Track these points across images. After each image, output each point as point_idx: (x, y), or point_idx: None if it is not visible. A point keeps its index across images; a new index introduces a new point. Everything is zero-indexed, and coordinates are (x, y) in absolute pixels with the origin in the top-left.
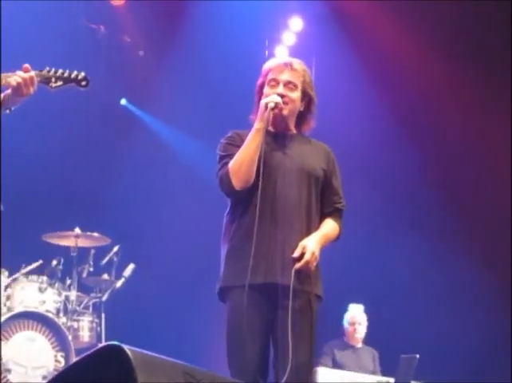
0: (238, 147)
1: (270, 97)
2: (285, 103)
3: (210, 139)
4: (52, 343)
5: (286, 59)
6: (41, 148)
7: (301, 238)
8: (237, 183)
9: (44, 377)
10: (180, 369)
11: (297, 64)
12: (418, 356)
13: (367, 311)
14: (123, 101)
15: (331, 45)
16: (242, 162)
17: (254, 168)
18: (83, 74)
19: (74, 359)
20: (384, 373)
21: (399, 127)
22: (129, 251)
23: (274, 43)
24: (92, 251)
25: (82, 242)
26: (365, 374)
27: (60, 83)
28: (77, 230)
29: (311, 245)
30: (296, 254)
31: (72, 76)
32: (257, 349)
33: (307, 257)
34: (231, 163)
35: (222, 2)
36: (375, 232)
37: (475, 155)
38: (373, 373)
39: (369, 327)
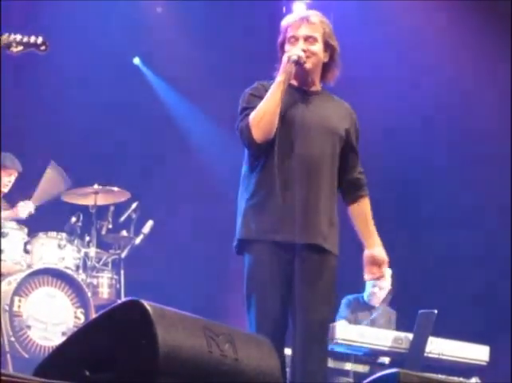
0: (261, 98)
1: (293, 50)
2: (307, 57)
3: (226, 97)
4: (71, 300)
5: (303, 13)
6: (57, 106)
7: (323, 196)
8: (257, 135)
9: (63, 334)
10: (199, 323)
11: (314, 16)
12: (436, 311)
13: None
14: (136, 60)
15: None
16: (264, 114)
17: (276, 121)
18: (41, 39)
19: (94, 315)
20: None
21: (420, 80)
22: (147, 208)
23: None
24: (111, 208)
25: (101, 199)
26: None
27: (20, 48)
28: (96, 186)
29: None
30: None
31: (32, 41)
32: (277, 302)
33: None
34: (252, 115)
35: None
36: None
37: None
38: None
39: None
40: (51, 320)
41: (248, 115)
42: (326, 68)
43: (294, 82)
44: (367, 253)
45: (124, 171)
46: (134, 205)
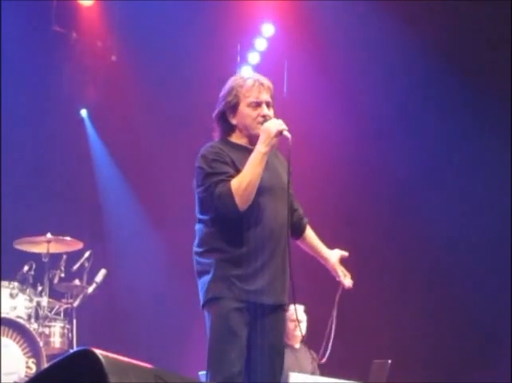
0: (227, 164)
1: (279, 124)
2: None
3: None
4: (23, 349)
5: (258, 77)
6: (11, 150)
7: (287, 254)
8: (241, 204)
9: None
10: (152, 373)
11: (267, 81)
12: (390, 361)
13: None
14: (83, 112)
15: (302, 49)
16: (248, 184)
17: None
18: None
19: (45, 365)
20: (325, 376)
21: (366, 129)
22: (101, 256)
23: (246, 49)
24: (64, 257)
25: (54, 248)
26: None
27: None
28: (49, 235)
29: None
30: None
31: None
32: (241, 360)
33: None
34: (236, 184)
35: (197, 5)
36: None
37: None
38: (312, 374)
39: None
40: (2, 369)
41: (220, 181)
42: None
43: (243, 141)
44: (333, 259)
45: (76, 218)
46: (87, 254)
